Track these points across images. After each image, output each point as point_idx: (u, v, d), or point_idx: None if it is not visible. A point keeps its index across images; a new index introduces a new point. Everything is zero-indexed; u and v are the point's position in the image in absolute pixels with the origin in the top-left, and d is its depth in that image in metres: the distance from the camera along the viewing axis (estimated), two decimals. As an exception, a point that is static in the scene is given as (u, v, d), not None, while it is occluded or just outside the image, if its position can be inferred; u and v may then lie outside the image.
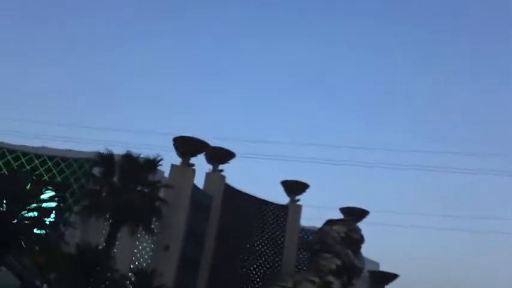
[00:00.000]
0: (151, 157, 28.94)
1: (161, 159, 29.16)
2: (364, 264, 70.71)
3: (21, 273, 47.32)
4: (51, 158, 69.72)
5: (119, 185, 26.75)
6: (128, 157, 27.60)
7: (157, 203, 27.59)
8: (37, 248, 62.57)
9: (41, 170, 67.26)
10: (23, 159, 68.67)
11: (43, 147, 70.83)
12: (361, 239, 68.72)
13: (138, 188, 27.33)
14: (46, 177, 66.08)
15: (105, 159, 27.67)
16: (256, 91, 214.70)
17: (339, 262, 64.82)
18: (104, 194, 26.85)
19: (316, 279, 64.17)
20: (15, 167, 64.46)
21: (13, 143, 69.83)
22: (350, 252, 65.69)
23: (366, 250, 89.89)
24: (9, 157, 68.20)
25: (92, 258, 57.23)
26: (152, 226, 28.63)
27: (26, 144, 71.11)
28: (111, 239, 27.02)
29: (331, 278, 63.81)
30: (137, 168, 27.49)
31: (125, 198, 25.89)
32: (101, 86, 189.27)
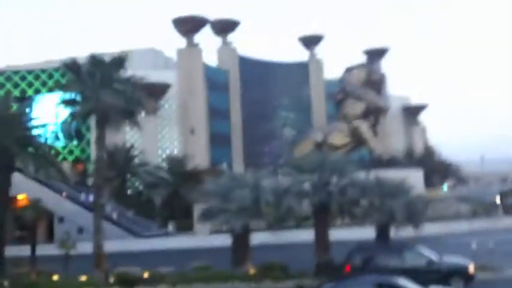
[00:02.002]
0: (117, 54, 27.84)
1: (126, 55, 27.98)
2: (388, 102, 69.74)
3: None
4: (15, 72, 69.09)
5: (91, 88, 26.18)
6: (94, 59, 26.68)
7: (136, 96, 27.00)
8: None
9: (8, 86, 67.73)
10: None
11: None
12: (381, 79, 66.98)
13: (115, 86, 26.70)
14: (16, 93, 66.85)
15: (71, 66, 26.88)
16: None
17: (363, 106, 64.02)
18: (79, 100, 26.44)
19: (345, 126, 64.20)
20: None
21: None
22: (372, 94, 64.52)
23: (394, 86, 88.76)
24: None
25: (123, 157, 59.91)
26: (140, 117, 28.64)
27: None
28: (100, 141, 27.10)
29: (358, 123, 63.59)
30: (105, 68, 26.66)
31: (102, 99, 25.49)
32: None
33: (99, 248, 24.73)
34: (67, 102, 27.20)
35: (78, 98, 26.56)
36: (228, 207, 23.48)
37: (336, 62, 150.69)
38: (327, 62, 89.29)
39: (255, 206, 23.39)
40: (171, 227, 48.39)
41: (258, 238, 25.89)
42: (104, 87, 26.50)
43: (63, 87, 29.73)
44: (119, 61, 27.44)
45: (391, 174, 29.99)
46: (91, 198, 52.79)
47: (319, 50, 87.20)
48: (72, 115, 27.23)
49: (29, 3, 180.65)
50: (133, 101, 27.19)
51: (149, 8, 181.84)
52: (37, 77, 68.80)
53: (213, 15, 73.14)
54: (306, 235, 35.93)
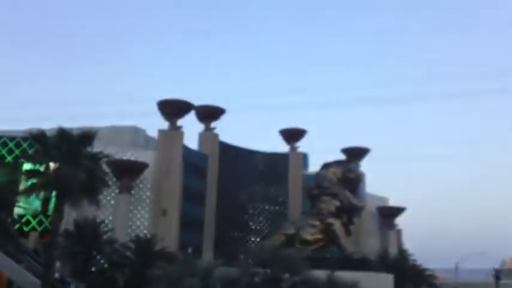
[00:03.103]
0: (86, 130, 28.33)
1: (96, 131, 28.51)
2: (364, 202, 70.12)
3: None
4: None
5: (57, 161, 26.34)
6: (62, 132, 27.11)
7: (100, 174, 27.12)
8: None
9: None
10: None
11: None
12: (357, 178, 67.66)
13: (82, 162, 26.87)
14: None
15: (38, 138, 27.26)
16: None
17: (337, 203, 64.04)
18: (44, 172, 26.48)
19: (317, 223, 63.74)
20: None
21: None
22: (347, 192, 64.90)
23: (374, 187, 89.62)
24: None
25: (92, 232, 58.60)
26: (107, 197, 28.49)
27: None
28: (57, 214, 26.84)
29: (331, 220, 63.32)
30: (73, 143, 27.01)
31: (65, 174, 25.55)
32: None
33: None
34: (30, 173, 27.26)
35: (42, 169, 26.72)
36: (175, 295, 22.92)
37: (317, 156, 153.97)
38: (308, 156, 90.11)
39: (203, 295, 22.87)
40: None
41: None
42: (67, 162, 26.68)
43: (28, 158, 29.95)
44: (88, 137, 27.90)
45: (360, 276, 29.57)
46: (58, 273, 51.02)
47: (302, 143, 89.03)
48: (33, 186, 27.20)
49: (21, 71, 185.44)
50: (95, 177, 27.32)
51: (136, 87, 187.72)
52: (18, 145, 68.59)
53: (198, 101, 75.00)
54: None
